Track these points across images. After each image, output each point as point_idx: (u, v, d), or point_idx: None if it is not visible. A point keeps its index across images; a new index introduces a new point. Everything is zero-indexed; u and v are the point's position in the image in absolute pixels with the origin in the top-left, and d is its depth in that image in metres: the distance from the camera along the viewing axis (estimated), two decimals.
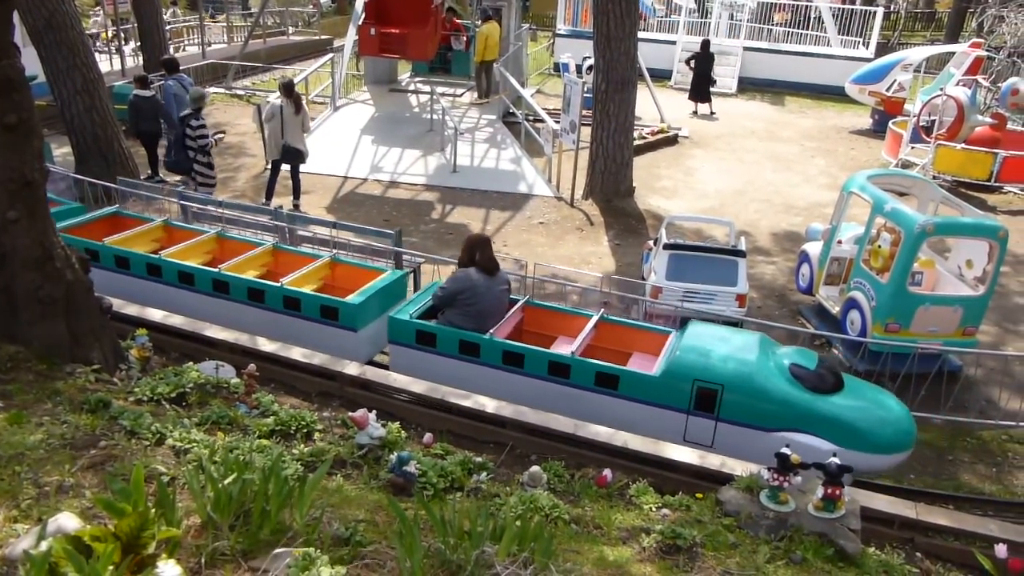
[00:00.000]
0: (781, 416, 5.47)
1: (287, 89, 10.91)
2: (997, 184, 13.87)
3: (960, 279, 8.09)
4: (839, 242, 8.79)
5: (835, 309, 8.55)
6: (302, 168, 11.33)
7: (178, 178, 12.30)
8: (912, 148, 14.77)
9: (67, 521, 2.58)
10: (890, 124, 15.86)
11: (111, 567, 2.15)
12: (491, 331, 6.05)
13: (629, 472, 4.75)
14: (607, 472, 4.47)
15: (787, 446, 4.03)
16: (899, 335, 7.59)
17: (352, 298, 6.60)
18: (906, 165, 14.33)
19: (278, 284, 6.73)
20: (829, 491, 3.78)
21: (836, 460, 3.80)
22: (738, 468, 4.76)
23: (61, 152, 12.11)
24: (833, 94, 20.69)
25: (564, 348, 6.07)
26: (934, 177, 13.34)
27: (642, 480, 4.43)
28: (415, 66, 18.89)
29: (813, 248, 9.14)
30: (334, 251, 7.77)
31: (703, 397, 5.57)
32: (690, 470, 4.95)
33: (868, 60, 20.19)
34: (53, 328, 4.49)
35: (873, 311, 7.74)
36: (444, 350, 6.15)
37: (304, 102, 11.27)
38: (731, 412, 5.54)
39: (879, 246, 7.92)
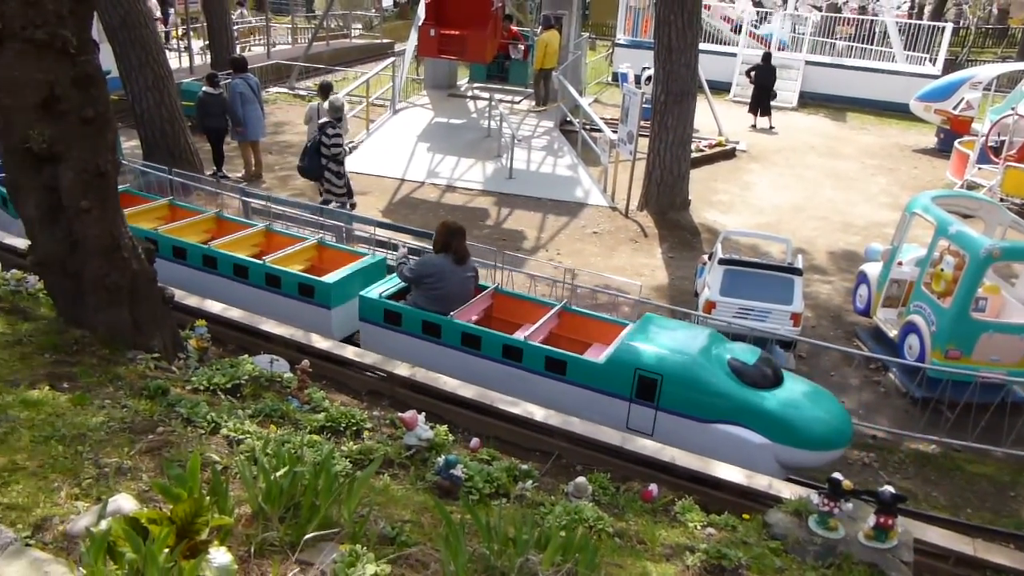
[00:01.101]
0: (717, 408, 5.62)
1: (325, 91, 11.07)
2: None
3: None
4: (899, 263, 8.57)
5: (893, 332, 8.33)
6: (360, 168, 11.47)
7: (238, 175, 12.61)
8: (979, 169, 14.33)
9: (125, 502, 2.66)
10: (956, 144, 15.41)
11: (166, 550, 2.21)
12: (452, 314, 6.30)
13: (675, 488, 4.70)
14: (653, 487, 4.43)
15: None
16: (960, 363, 7.36)
17: (327, 277, 6.97)
18: (972, 186, 13.90)
19: (260, 262, 7.15)
20: (881, 520, 3.68)
21: (890, 489, 3.70)
22: (786, 491, 4.67)
23: (129, 145, 12.49)
24: (897, 111, 20.20)
25: (538, 338, 6.29)
26: (1002, 200, 12.90)
27: (688, 497, 4.38)
28: (472, 73, 19.03)
29: (872, 269, 8.92)
30: (374, 250, 7.94)
31: (644, 386, 5.75)
32: (736, 489, 4.87)
33: (935, 77, 19.68)
34: (117, 315, 4.64)
35: (933, 336, 7.52)
36: (409, 329, 6.46)
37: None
38: (670, 402, 5.71)
39: (942, 269, 7.70)
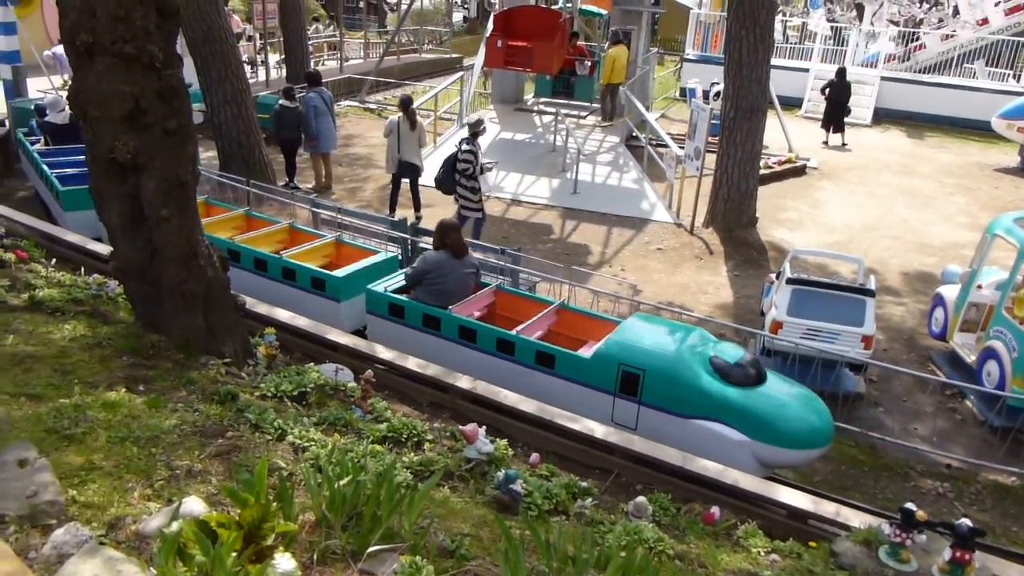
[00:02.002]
0: (698, 404, 5.69)
1: (405, 105, 11.26)
2: None
3: None
4: (979, 287, 8.24)
5: (970, 358, 8.01)
6: (424, 181, 11.64)
7: (309, 186, 12.91)
8: None
9: (195, 505, 2.73)
10: None
11: (233, 554, 2.26)
12: (451, 308, 6.58)
13: (738, 512, 4.59)
14: (715, 509, 4.34)
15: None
16: None
17: (337, 272, 7.43)
18: None
19: (278, 256, 7.59)
20: (957, 554, 3.52)
21: (967, 522, 3.55)
22: (855, 519, 4.52)
23: (207, 156, 12.93)
24: (977, 129, 19.48)
25: (533, 333, 6.51)
26: None
27: (751, 521, 4.28)
28: (538, 87, 19.08)
29: (949, 291, 8.60)
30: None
31: (627, 381, 5.88)
32: (803, 515, 4.74)
33: (1018, 94, 18.91)
34: (192, 320, 4.79)
35: (1014, 363, 7.20)
36: (411, 322, 6.79)
37: (419, 118, 11.55)
38: (652, 397, 5.81)
39: None
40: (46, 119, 11.13)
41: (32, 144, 11.02)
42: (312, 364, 5.19)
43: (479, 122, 10.65)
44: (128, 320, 5.18)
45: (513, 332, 6.37)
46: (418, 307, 6.74)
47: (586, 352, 6.24)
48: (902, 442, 7.02)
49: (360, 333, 7.10)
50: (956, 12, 23.01)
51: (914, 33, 22.82)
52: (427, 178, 11.63)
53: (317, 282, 7.34)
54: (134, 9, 4.22)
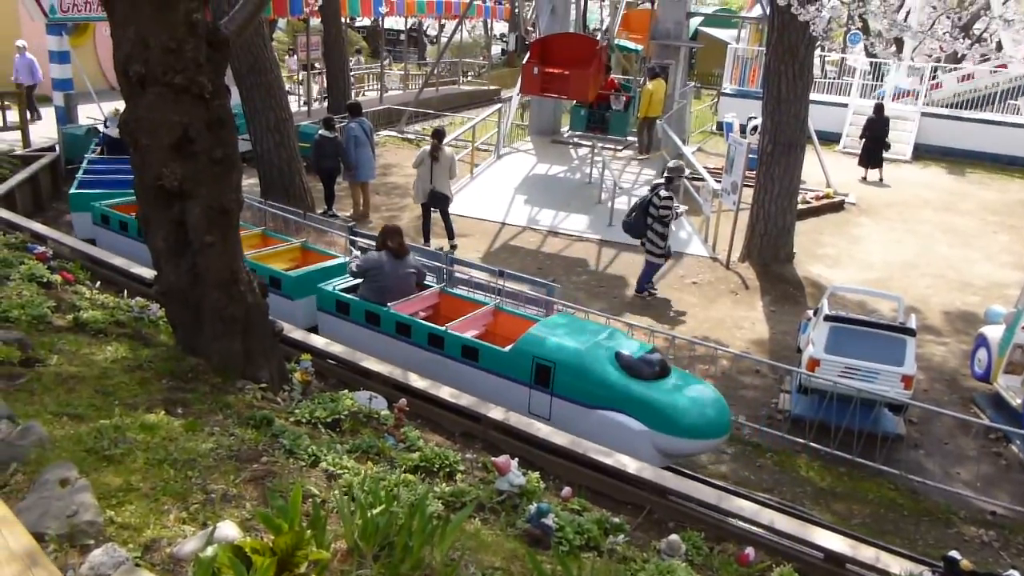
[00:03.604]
0: (602, 396, 6.09)
1: (439, 136, 11.40)
2: None
3: None
4: None
5: (1016, 401, 7.79)
6: (460, 212, 11.73)
7: (347, 215, 13.08)
8: None
9: (229, 530, 2.75)
10: None
11: None
12: (390, 305, 7.09)
13: (773, 553, 4.50)
14: (749, 550, 4.26)
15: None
16: None
17: (292, 272, 7.95)
18: None
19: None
20: None
21: (1015, 573, 3.44)
22: (895, 566, 4.39)
23: (248, 183, 13.18)
24: (1021, 165, 19.15)
25: (467, 330, 6.96)
26: None
27: (787, 563, 4.18)
28: (573, 121, 19.12)
29: (993, 332, 8.41)
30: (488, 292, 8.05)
31: (540, 372, 6.30)
32: (841, 559, 4.62)
33: None
34: (231, 345, 4.86)
35: None
36: (355, 318, 7.29)
37: (448, 148, 11.67)
38: (562, 388, 6.22)
39: None
40: (105, 130, 12.40)
41: (92, 151, 12.27)
42: (346, 391, 5.22)
43: (680, 168, 10.76)
44: (168, 343, 5.27)
45: (443, 328, 6.78)
46: (361, 304, 7.25)
47: (506, 346, 6.63)
48: (944, 486, 6.83)
49: (314, 330, 7.52)
50: (1000, 47, 22.74)
51: (935, 70, 22.56)
52: (469, 208, 11.76)
53: (275, 281, 7.71)
54: (186, 41, 4.35)
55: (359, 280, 7.55)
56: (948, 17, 10.28)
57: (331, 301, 7.50)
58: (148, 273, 6.87)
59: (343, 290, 7.57)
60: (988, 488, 6.93)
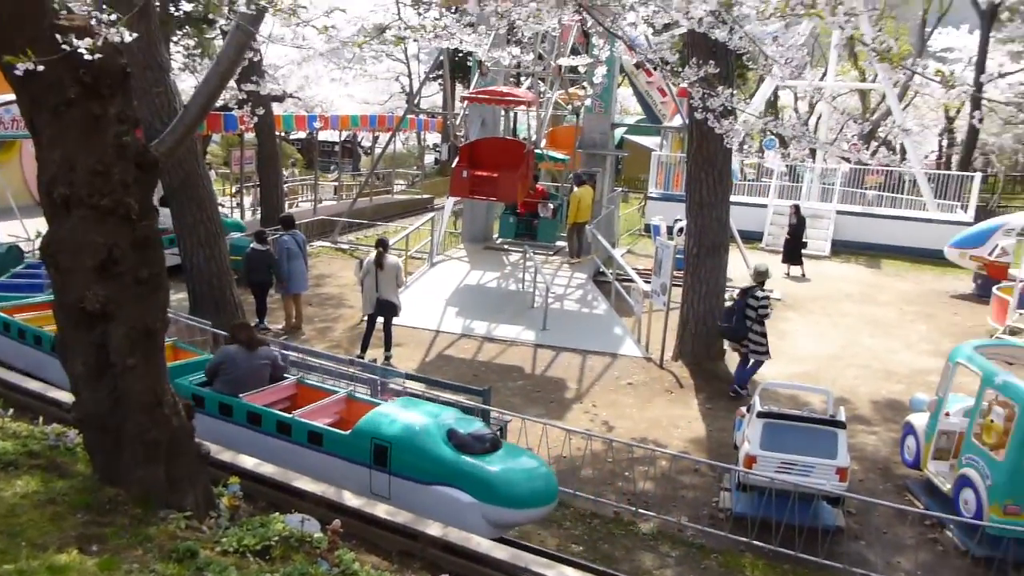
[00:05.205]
0: (435, 472, 6.37)
1: (383, 245, 11.50)
2: None
3: None
4: (947, 414, 8.31)
5: (946, 487, 7.95)
6: (396, 321, 11.70)
7: (279, 327, 12.90)
8: (1020, 314, 14.11)
9: None
10: (994, 289, 15.26)
11: None
12: (243, 395, 7.28)
13: None
14: None
15: None
16: (1021, 519, 6.97)
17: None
18: (1015, 332, 13.63)
19: None
20: None
21: None
22: None
23: (177, 297, 12.93)
24: (931, 257, 20.26)
25: (318, 418, 7.16)
26: None
27: None
28: (501, 230, 19.21)
29: (918, 420, 8.65)
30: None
31: (378, 453, 6.56)
32: None
33: (967, 224, 19.83)
34: (153, 472, 4.66)
35: (989, 491, 7.16)
36: (210, 410, 7.39)
37: (392, 257, 11.71)
38: (399, 466, 6.48)
39: (991, 420, 7.44)
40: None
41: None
42: (277, 514, 5.02)
43: (767, 272, 11.22)
44: (85, 473, 5.02)
45: (290, 415, 7.00)
46: (215, 396, 7.42)
47: (347, 430, 6.85)
48: None
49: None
50: (904, 154, 24.33)
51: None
52: (403, 317, 11.74)
53: None
54: (114, 164, 4.36)
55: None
56: (856, 122, 11.14)
57: (187, 394, 7.43)
58: (66, 397, 6.59)
59: (199, 384, 7.69)
60: None
